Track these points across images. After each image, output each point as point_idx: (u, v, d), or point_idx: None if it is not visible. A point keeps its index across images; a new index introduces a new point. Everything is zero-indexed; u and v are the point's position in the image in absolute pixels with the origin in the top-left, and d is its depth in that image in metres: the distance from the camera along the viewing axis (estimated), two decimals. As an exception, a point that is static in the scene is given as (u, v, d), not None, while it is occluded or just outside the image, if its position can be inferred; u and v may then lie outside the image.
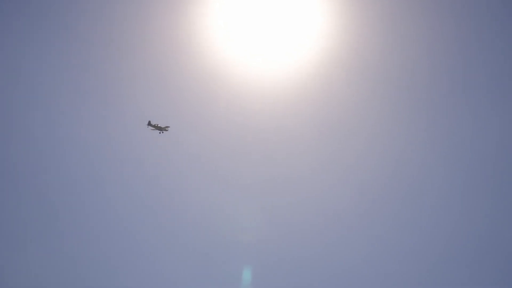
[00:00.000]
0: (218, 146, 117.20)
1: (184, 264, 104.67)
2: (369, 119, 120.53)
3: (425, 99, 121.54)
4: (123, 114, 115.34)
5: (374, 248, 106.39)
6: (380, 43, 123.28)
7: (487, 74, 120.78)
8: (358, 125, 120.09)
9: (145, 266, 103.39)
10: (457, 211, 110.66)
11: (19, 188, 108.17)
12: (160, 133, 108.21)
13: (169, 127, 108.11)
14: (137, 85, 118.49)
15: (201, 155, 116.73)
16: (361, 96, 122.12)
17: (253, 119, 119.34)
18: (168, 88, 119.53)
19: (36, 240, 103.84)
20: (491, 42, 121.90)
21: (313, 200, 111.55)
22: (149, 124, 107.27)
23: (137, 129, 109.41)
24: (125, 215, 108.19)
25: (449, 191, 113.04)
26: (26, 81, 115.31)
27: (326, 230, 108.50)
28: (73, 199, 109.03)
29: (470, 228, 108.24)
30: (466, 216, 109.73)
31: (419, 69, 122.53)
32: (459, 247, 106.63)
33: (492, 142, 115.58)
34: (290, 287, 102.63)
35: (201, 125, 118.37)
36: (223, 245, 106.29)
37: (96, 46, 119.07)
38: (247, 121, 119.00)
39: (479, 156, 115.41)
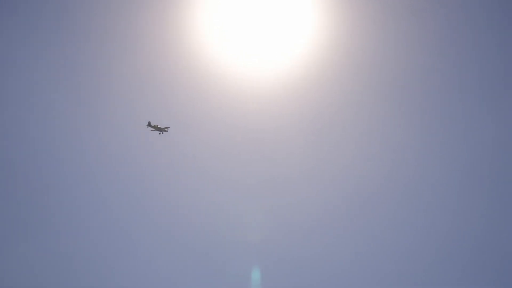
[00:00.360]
0: (218, 146, 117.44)
1: (184, 264, 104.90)
2: (368, 119, 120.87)
3: (420, 98, 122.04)
4: (123, 115, 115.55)
5: (375, 247, 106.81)
6: (374, 43, 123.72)
7: (482, 73, 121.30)
8: (357, 125, 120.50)
9: (147, 266, 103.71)
10: (453, 210, 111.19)
11: (19, 188, 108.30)
12: (160, 133, 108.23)
13: (169, 127, 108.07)
14: (137, 86, 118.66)
15: (199, 155, 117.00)
16: (359, 96, 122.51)
17: (253, 119, 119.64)
18: (169, 89, 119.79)
19: (36, 240, 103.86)
20: (486, 41, 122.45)
21: (313, 200, 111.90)
22: (149, 124, 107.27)
23: (137, 130, 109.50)
24: (128, 216, 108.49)
25: (445, 190, 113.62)
26: (26, 82, 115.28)
27: (327, 230, 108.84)
28: (74, 200, 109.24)
29: (466, 227, 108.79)
30: (462, 215, 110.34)
31: (413, 68, 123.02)
32: (457, 246, 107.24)
33: (488, 141, 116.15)
34: (291, 287, 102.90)
35: (201, 125, 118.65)
36: (223, 245, 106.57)
37: (95, 46, 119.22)
38: (247, 121, 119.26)
39: (474, 155, 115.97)
